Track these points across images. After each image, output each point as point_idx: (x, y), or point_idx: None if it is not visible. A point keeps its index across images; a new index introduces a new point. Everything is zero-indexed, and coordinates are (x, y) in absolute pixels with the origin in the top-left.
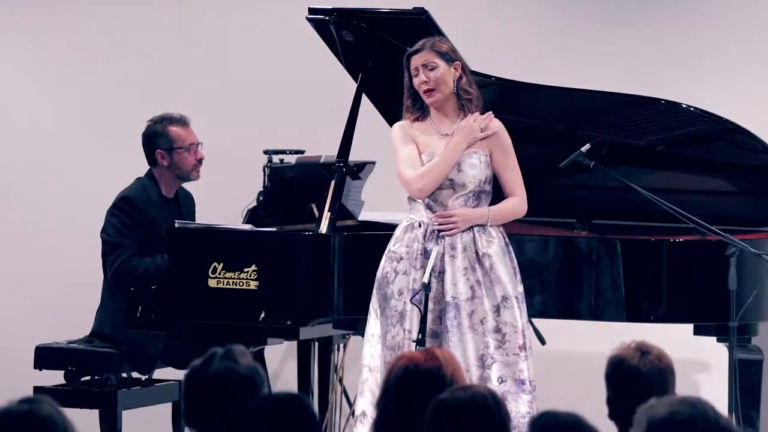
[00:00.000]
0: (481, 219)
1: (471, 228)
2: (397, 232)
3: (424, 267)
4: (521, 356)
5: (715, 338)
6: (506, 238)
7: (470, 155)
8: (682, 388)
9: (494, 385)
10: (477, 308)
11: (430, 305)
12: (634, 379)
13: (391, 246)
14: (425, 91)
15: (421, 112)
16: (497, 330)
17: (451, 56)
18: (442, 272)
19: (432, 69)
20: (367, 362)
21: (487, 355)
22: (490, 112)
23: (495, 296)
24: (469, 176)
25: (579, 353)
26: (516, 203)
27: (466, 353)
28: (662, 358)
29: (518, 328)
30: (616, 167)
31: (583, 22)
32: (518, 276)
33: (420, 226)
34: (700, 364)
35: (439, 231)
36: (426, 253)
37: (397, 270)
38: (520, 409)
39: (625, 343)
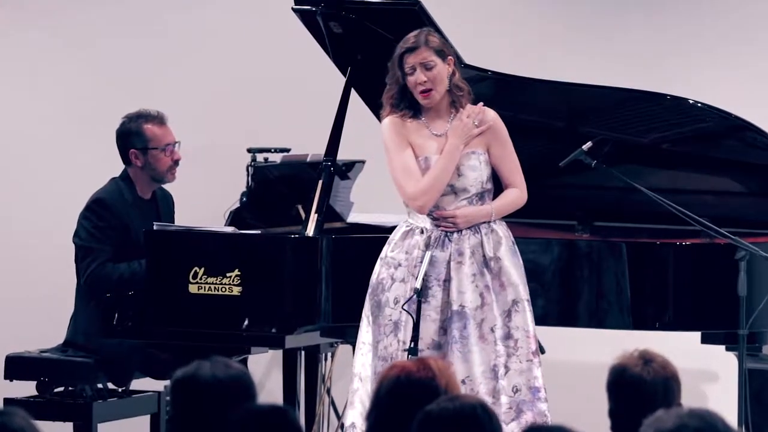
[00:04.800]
0: (485, 217)
1: (478, 230)
2: (395, 236)
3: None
4: (535, 362)
5: (723, 347)
6: (512, 237)
7: (468, 157)
8: (690, 399)
9: (509, 395)
10: (487, 316)
11: (434, 315)
12: (637, 389)
13: (389, 251)
14: (422, 92)
15: (409, 110)
16: (509, 336)
17: (444, 51)
18: (447, 280)
19: (430, 68)
20: (358, 371)
21: (500, 365)
22: (481, 103)
23: (505, 301)
24: (470, 179)
25: (580, 362)
26: (516, 194)
27: (473, 366)
28: (666, 367)
29: (530, 333)
30: (619, 166)
31: (586, 15)
32: (524, 278)
33: (423, 232)
34: (708, 374)
35: (446, 236)
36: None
37: (394, 277)
38: (537, 420)
39: (627, 351)
